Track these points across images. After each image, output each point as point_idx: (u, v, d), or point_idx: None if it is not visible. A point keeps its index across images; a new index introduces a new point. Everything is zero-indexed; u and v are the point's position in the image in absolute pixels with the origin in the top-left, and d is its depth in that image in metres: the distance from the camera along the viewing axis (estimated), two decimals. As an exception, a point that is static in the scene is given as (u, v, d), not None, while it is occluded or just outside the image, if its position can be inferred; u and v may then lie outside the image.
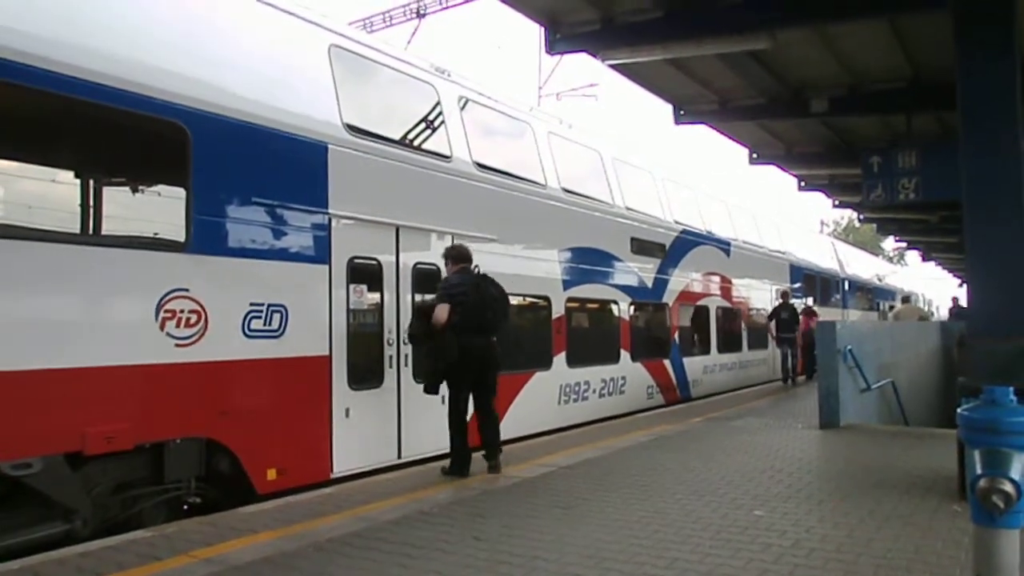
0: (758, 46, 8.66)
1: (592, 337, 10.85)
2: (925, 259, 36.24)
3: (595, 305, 10.87)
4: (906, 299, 26.49)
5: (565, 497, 5.55)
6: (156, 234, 5.42)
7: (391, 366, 6.98)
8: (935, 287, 52.02)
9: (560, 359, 9.66)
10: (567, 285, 9.90)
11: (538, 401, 9.17)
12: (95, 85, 4.95)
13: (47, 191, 4.95)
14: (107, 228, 5.21)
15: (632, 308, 11.50)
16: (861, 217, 27.06)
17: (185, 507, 5.56)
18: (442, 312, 6.14)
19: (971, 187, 6.24)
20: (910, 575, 3.77)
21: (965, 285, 7.10)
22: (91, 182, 5.20)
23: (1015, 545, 2.66)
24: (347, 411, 6.47)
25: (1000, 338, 5.68)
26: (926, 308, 37.87)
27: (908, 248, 38.14)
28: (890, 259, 51.93)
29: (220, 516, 5.19)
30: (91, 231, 5.14)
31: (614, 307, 11.10)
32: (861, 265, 29.09)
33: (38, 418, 4.61)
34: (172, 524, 5.01)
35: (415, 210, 7.48)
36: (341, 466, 6.38)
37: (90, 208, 5.16)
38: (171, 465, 5.34)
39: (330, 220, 6.45)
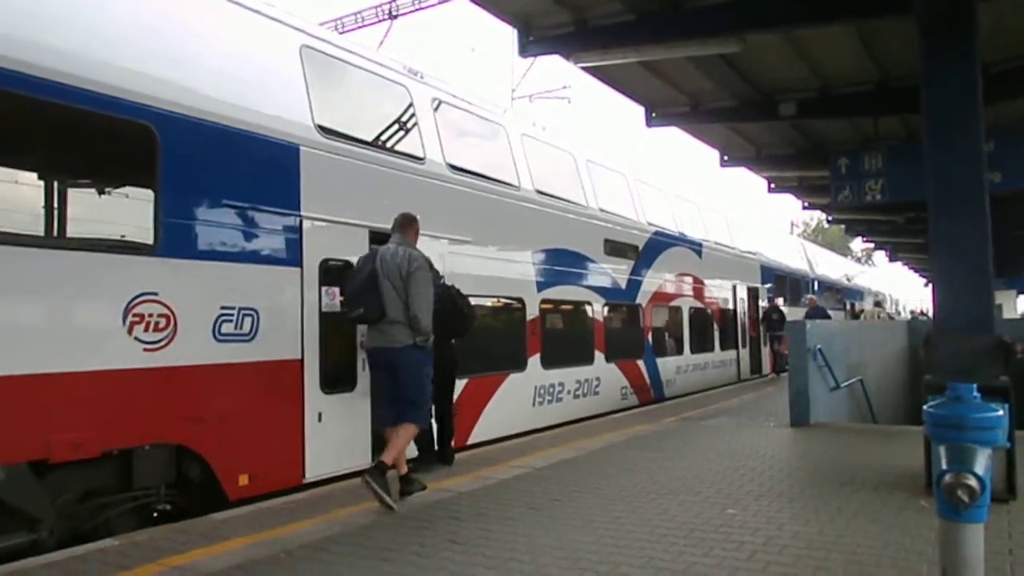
0: (728, 49, 8.76)
1: (566, 338, 10.87)
2: (892, 259, 36.88)
3: (569, 306, 10.91)
4: (878, 303, 27.12)
5: (540, 498, 5.55)
6: (124, 237, 5.32)
7: (364, 369, 6.91)
8: (902, 286, 53.07)
9: (535, 360, 9.67)
10: (541, 287, 9.91)
11: (513, 403, 9.17)
12: (60, 85, 4.85)
13: (9, 193, 4.82)
14: (73, 231, 5.10)
15: (606, 309, 11.56)
16: (830, 218, 27.50)
17: (155, 514, 5.46)
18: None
19: (935, 188, 6.37)
20: (879, 570, 3.83)
21: (930, 284, 7.24)
22: (55, 184, 5.09)
23: (979, 538, 2.72)
24: (319, 415, 6.40)
25: (964, 336, 5.80)
26: (893, 308, 38.60)
27: (875, 248, 38.87)
28: (858, 259, 52.83)
29: (191, 523, 5.11)
30: (56, 234, 5.03)
31: (588, 308, 11.14)
32: (830, 265, 29.59)
33: (0, 425, 4.49)
34: (141, 532, 4.92)
35: (388, 212, 7.43)
36: (313, 471, 6.31)
37: (55, 210, 5.06)
38: (140, 472, 5.24)
39: (301, 222, 6.39)
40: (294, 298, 6.30)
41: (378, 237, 7.15)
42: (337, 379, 6.68)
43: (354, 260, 6.77)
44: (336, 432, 6.56)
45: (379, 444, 7.03)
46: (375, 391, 6.44)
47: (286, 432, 6.16)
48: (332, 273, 6.65)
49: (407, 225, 6.07)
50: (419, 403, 5.72)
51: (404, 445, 5.65)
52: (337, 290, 6.68)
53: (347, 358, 6.84)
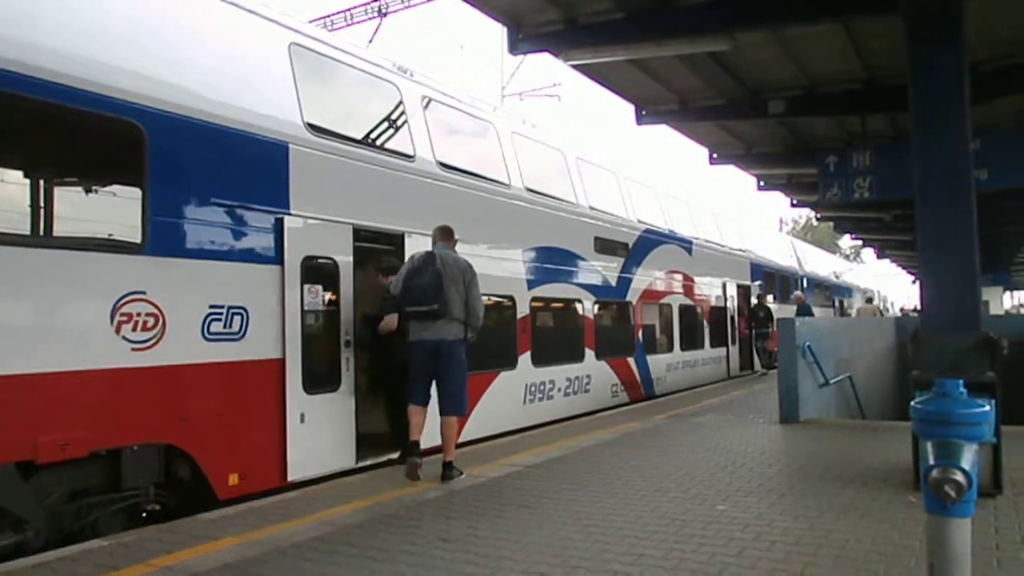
0: (718, 48, 8.79)
1: (557, 336, 10.88)
2: (880, 256, 37.14)
3: (560, 304, 10.92)
4: (869, 300, 27.34)
5: (531, 496, 5.56)
6: (111, 235, 5.28)
7: (348, 368, 6.88)
8: (890, 283, 53.42)
9: (525, 358, 9.67)
10: (532, 284, 9.92)
11: (504, 400, 9.17)
12: (47, 83, 4.81)
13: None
14: (59, 229, 5.06)
15: (596, 307, 11.58)
16: (818, 216, 27.64)
17: (143, 514, 5.43)
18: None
19: (922, 186, 6.41)
20: (868, 564, 3.86)
21: (918, 281, 7.28)
22: (42, 182, 5.05)
23: (966, 533, 2.74)
24: (302, 416, 6.31)
25: (951, 333, 5.84)
26: (882, 305, 38.86)
27: (864, 246, 39.08)
28: (847, 256, 53.14)
29: (180, 523, 5.09)
30: (42, 232, 4.99)
31: (578, 306, 11.15)
32: (819, 263, 29.72)
33: (-13, 426, 4.46)
34: (130, 532, 4.90)
35: (377, 210, 7.42)
36: (296, 473, 6.22)
37: (41, 209, 5.01)
38: (128, 472, 5.21)
39: (284, 220, 6.30)
40: (282, 296, 6.26)
41: (361, 234, 7.12)
42: (322, 378, 6.60)
43: (337, 258, 6.74)
44: (320, 433, 6.48)
45: (367, 442, 7.06)
46: (412, 377, 6.41)
47: (268, 433, 6.09)
48: (314, 271, 6.58)
49: (449, 236, 6.71)
50: (459, 395, 6.35)
51: (455, 437, 6.38)
52: (320, 288, 6.60)
53: (332, 357, 6.76)
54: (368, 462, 6.97)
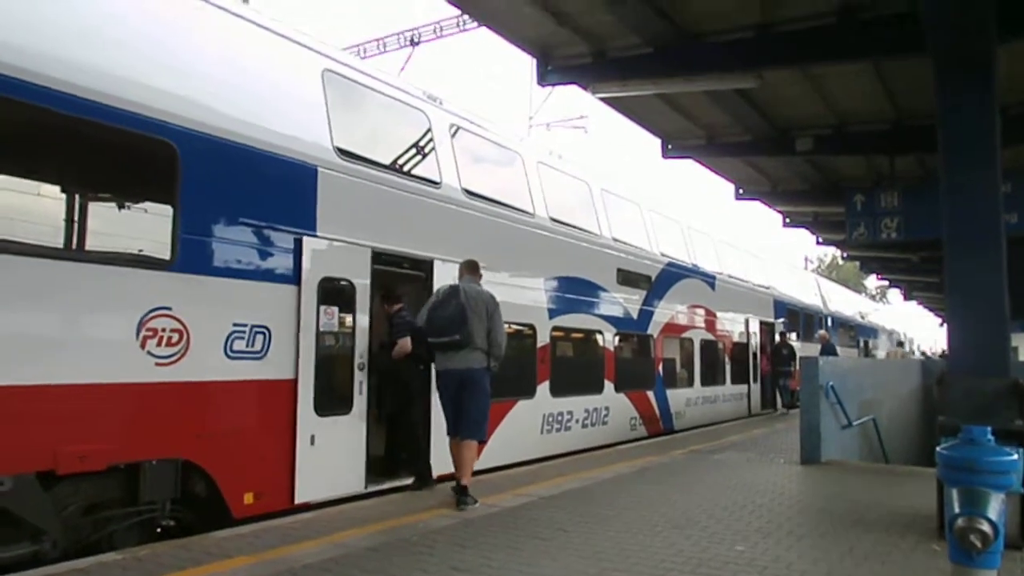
0: (746, 85, 8.84)
1: (576, 367, 10.83)
2: (907, 297, 36.66)
3: (580, 335, 10.88)
4: (900, 344, 27.00)
5: (546, 528, 5.50)
6: (141, 251, 5.38)
7: (361, 392, 6.84)
8: (916, 324, 52.61)
9: (544, 388, 9.63)
10: (553, 314, 9.91)
11: (521, 430, 9.12)
12: (85, 101, 4.95)
13: (31, 205, 4.90)
14: (91, 244, 5.17)
15: (617, 338, 11.52)
16: (844, 255, 27.40)
17: (159, 530, 5.45)
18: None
19: (951, 227, 6.35)
20: (889, 614, 3.75)
21: (945, 324, 7.18)
22: (77, 197, 5.17)
23: (992, 585, 2.67)
24: (312, 438, 6.27)
25: (979, 377, 5.73)
26: (907, 347, 38.31)
27: (890, 286, 38.62)
28: (872, 297, 52.49)
29: (194, 540, 5.09)
30: (75, 246, 5.10)
31: (599, 337, 11.11)
32: (844, 302, 29.37)
33: (10, 435, 4.51)
34: (144, 547, 4.91)
35: (402, 235, 7.49)
36: (303, 495, 6.17)
37: (75, 223, 5.12)
38: (146, 486, 5.24)
39: (303, 242, 6.32)
40: (309, 317, 6.31)
41: (380, 258, 7.18)
42: (339, 401, 6.59)
43: (355, 280, 6.77)
44: (329, 456, 6.43)
45: (377, 467, 7.07)
46: (444, 407, 6.63)
47: (278, 454, 6.06)
48: (332, 293, 6.59)
49: (475, 270, 6.95)
50: (481, 422, 6.52)
51: (473, 461, 6.50)
52: (336, 309, 6.60)
53: (348, 379, 6.74)
54: (377, 487, 6.92)
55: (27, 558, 4.61)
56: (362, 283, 6.92)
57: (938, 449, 2.99)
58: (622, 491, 7.02)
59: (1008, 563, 3.84)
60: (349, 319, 6.85)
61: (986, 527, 2.57)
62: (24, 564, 4.53)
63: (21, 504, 4.60)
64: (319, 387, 6.38)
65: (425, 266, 7.76)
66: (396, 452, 7.63)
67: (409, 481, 7.12)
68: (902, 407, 13.48)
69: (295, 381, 6.19)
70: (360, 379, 6.81)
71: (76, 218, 5.16)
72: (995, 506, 2.65)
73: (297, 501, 6.13)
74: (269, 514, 5.85)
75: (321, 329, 6.47)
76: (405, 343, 6.93)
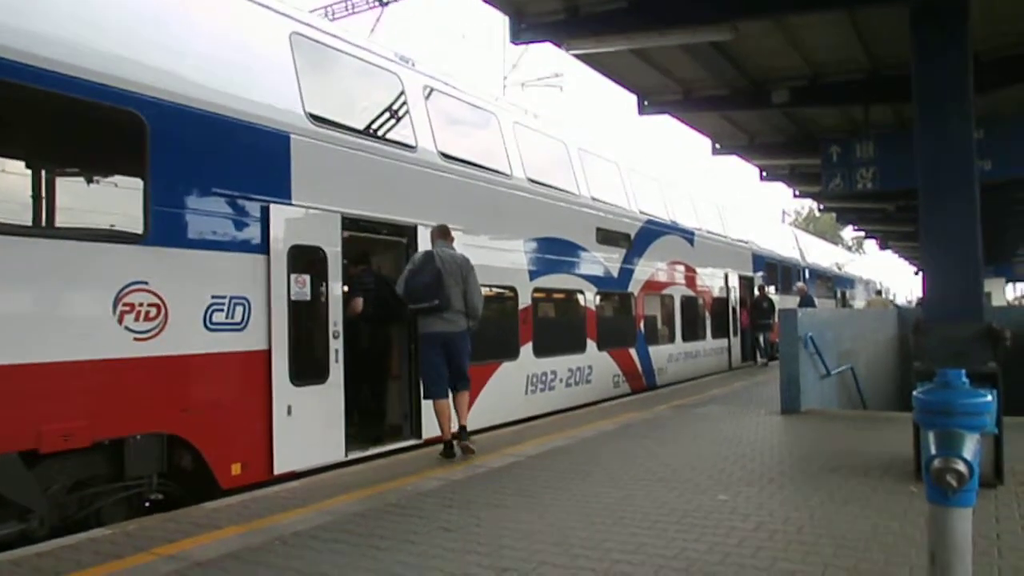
0: (720, 37, 8.73)
1: (559, 327, 10.89)
2: (883, 247, 37.01)
3: (561, 295, 10.91)
4: (878, 292, 27.45)
5: (533, 486, 5.57)
6: (113, 226, 5.28)
7: (337, 360, 6.77)
8: (892, 274, 53.33)
9: (527, 349, 9.68)
10: (533, 275, 9.91)
11: (505, 391, 9.19)
12: (47, 72, 4.80)
13: (-3, 182, 4.78)
14: (61, 220, 5.07)
15: (598, 298, 11.57)
16: (821, 207, 27.53)
17: (147, 504, 5.45)
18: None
19: (925, 176, 6.38)
20: (869, 554, 3.86)
21: (920, 272, 7.30)
22: (43, 173, 5.04)
23: (968, 523, 2.74)
24: (288, 408, 6.23)
25: (953, 323, 5.83)
26: (884, 295, 38.86)
27: (866, 237, 38.94)
28: (849, 247, 53.04)
29: (182, 512, 5.11)
30: (44, 223, 4.99)
31: (580, 297, 11.15)
32: (821, 253, 29.68)
33: (-9, 415, 4.47)
34: (133, 521, 4.91)
35: (379, 200, 7.42)
36: (282, 466, 6.15)
37: (42, 199, 5.01)
38: (132, 461, 5.23)
39: (269, 208, 6.20)
40: (287, 286, 6.25)
41: (358, 224, 7.12)
42: (315, 370, 6.55)
43: (325, 247, 6.68)
44: (307, 426, 6.41)
45: (365, 424, 7.19)
46: (427, 369, 6.88)
47: (255, 425, 6.02)
48: (306, 262, 6.48)
49: (447, 234, 7.14)
50: (467, 374, 6.98)
51: (470, 405, 7.06)
52: (307, 278, 6.48)
53: (324, 348, 6.68)
54: (358, 455, 6.92)
55: (14, 537, 4.61)
56: (334, 251, 6.80)
57: (914, 393, 3.04)
58: (606, 447, 7.12)
59: (983, 501, 3.96)
60: (323, 287, 6.74)
61: (962, 467, 2.63)
62: (12, 543, 4.53)
63: (5, 484, 4.58)
64: (293, 357, 6.29)
65: (408, 231, 7.70)
66: (380, 418, 7.71)
67: (390, 447, 7.19)
68: (879, 355, 13.75)
69: (269, 352, 6.11)
70: (336, 347, 6.75)
71: (44, 194, 5.04)
72: (970, 447, 2.71)
73: (276, 472, 6.10)
74: (257, 484, 5.87)
75: (293, 298, 6.35)
76: (356, 303, 7.28)
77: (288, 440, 6.21)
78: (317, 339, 6.68)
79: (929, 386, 3.01)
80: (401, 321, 7.62)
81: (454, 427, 6.80)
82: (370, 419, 7.72)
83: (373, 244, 7.82)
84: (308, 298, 6.49)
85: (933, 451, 2.75)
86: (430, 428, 7.24)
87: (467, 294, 6.82)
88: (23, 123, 5.02)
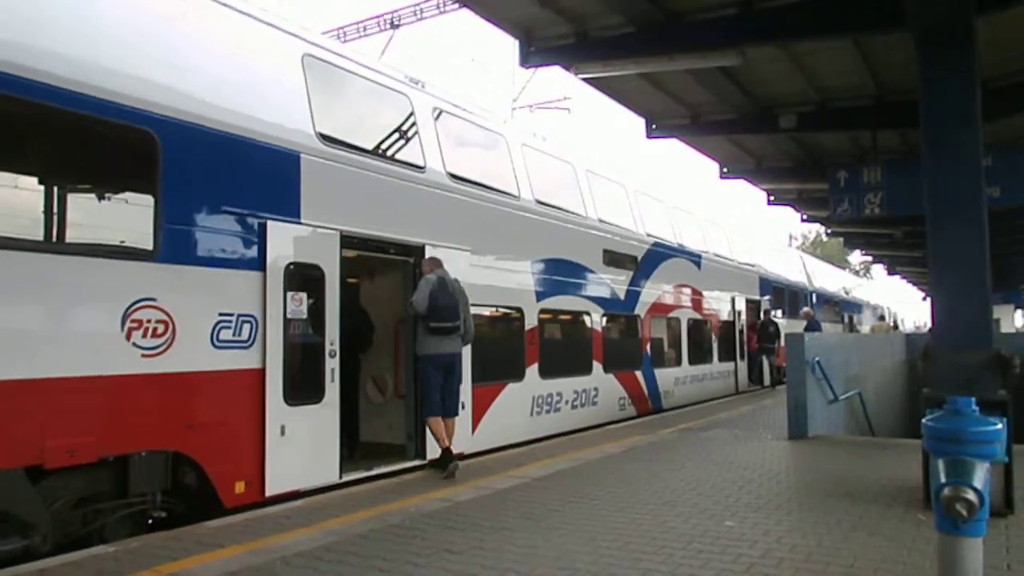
0: (727, 63, 8.81)
1: (565, 348, 10.86)
2: (890, 272, 36.96)
3: (568, 316, 10.90)
4: (882, 317, 27.31)
5: (537, 508, 5.53)
6: (123, 242, 5.32)
7: (333, 380, 6.62)
8: (900, 300, 53.13)
9: (533, 370, 9.65)
10: (540, 296, 9.91)
11: (510, 412, 9.15)
12: (63, 91, 4.87)
13: (9, 197, 4.83)
14: (72, 236, 5.10)
15: (604, 319, 11.55)
16: (828, 231, 27.55)
17: (150, 521, 5.43)
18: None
19: (933, 202, 6.39)
20: (877, 584, 3.81)
21: (929, 298, 7.27)
22: (56, 189, 5.09)
23: (978, 552, 2.71)
24: (282, 428, 6.09)
25: (963, 349, 5.80)
26: (892, 321, 38.67)
27: (874, 262, 38.89)
28: (856, 272, 52.88)
29: (185, 530, 5.08)
30: (55, 239, 5.03)
31: (587, 318, 11.13)
32: (829, 278, 29.60)
33: (-3, 430, 4.48)
34: (136, 539, 4.90)
35: (388, 220, 7.45)
36: (274, 487, 5.99)
37: (54, 215, 5.06)
38: (136, 478, 5.22)
39: (266, 226, 6.11)
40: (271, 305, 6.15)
41: (368, 244, 7.17)
42: (308, 389, 6.42)
43: (324, 266, 6.59)
44: (301, 446, 6.28)
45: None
46: (429, 390, 7.06)
47: (251, 444, 5.92)
48: (297, 279, 6.37)
49: (440, 263, 7.39)
50: (459, 399, 7.31)
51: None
52: (304, 295, 6.39)
53: (324, 367, 6.56)
54: (352, 476, 6.78)
55: (17, 553, 4.59)
56: (331, 269, 6.67)
57: (923, 421, 3.02)
58: (612, 471, 7.07)
59: (993, 530, 3.91)
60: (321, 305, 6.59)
61: (972, 496, 2.61)
62: (14, 559, 4.51)
63: (9, 499, 4.57)
64: (288, 375, 6.19)
65: (416, 251, 7.72)
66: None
67: (384, 469, 7.11)
68: (887, 381, 13.64)
69: (263, 370, 6.00)
70: (332, 366, 6.67)
71: (56, 210, 5.09)
72: (980, 475, 2.69)
73: (268, 493, 5.96)
74: (262, 503, 5.84)
75: (296, 316, 6.27)
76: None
77: (280, 461, 6.06)
78: (318, 358, 6.53)
79: (939, 413, 2.99)
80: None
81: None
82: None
83: (381, 263, 7.84)
84: (304, 317, 6.41)
85: (943, 479, 2.73)
86: (434, 449, 7.21)
87: (466, 320, 7.25)
88: (40, 141, 5.07)
